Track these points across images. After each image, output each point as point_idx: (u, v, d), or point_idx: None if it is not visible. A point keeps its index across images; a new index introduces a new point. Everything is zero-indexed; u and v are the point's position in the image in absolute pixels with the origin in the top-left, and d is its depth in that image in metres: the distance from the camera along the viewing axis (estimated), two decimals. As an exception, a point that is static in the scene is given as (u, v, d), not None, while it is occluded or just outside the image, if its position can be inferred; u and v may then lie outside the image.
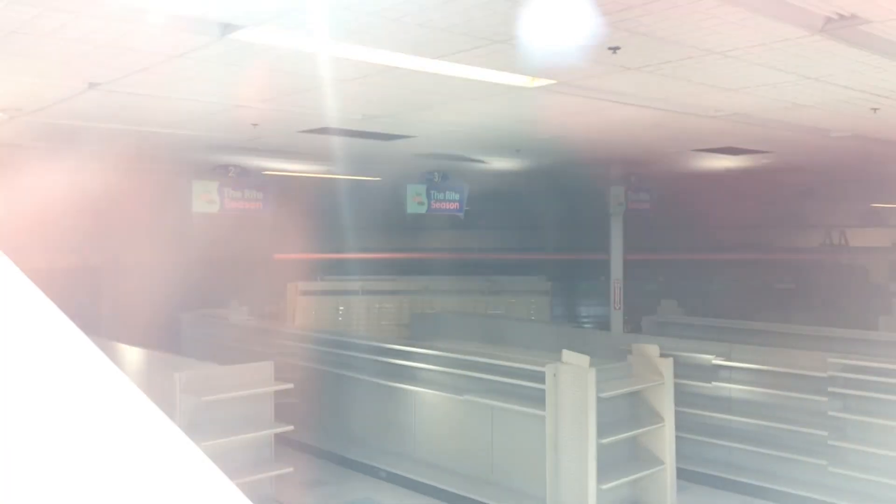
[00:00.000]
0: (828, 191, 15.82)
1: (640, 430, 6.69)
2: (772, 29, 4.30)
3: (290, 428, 6.68)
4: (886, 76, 5.48)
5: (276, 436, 6.67)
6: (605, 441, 6.15)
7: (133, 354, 7.78)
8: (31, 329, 1.32)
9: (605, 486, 6.12)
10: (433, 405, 7.76)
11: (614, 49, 4.67)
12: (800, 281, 16.66)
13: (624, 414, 6.76)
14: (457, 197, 11.08)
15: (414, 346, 8.12)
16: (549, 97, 6.25)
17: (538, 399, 6.45)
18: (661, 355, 6.81)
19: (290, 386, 6.78)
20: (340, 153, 9.98)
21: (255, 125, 7.59)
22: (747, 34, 4.41)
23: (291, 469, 6.56)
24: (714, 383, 7.68)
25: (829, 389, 6.91)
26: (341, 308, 14.54)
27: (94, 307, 13.50)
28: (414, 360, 7.92)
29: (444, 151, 9.86)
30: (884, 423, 6.61)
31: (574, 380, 6.20)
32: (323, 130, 7.94)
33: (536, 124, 7.81)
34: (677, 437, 6.81)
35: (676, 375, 6.91)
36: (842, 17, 4.13)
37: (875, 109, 6.74)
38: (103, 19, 4.06)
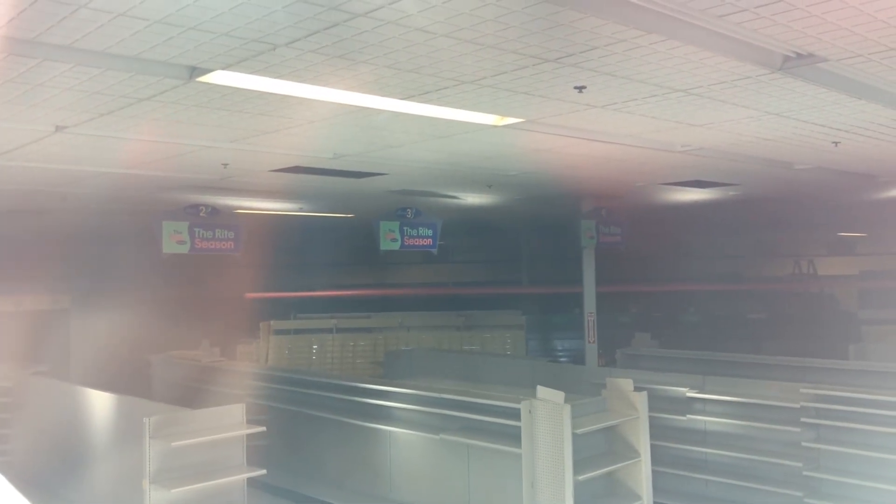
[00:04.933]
0: (795, 221, 16.10)
1: (617, 466, 6.66)
2: (733, 67, 4.40)
3: (263, 472, 6.56)
4: (845, 111, 5.61)
5: (249, 480, 6.55)
6: (581, 478, 6.11)
7: (102, 399, 7.64)
8: None
9: (582, 524, 6.07)
10: (408, 445, 7.67)
11: (580, 88, 4.75)
12: (771, 310, 16.85)
13: (600, 449, 6.74)
14: (430, 233, 11.09)
15: (388, 385, 8.05)
16: (517, 135, 6.32)
17: (514, 436, 6.42)
18: (636, 389, 6.81)
19: (263, 429, 6.69)
20: (313, 191, 9.99)
21: (225, 165, 7.58)
22: (709, 73, 4.50)
23: (264, 514, 6.44)
24: (689, 416, 7.68)
25: (802, 420, 6.94)
26: (315, 347, 14.42)
27: (63, 349, 13.28)
28: (388, 400, 7.85)
29: (417, 188, 9.89)
30: (857, 453, 6.64)
31: (549, 416, 6.18)
32: (294, 169, 7.94)
33: (506, 161, 7.88)
34: (654, 472, 6.78)
35: (651, 409, 6.91)
36: (799, 55, 4.24)
37: (836, 143, 6.89)
38: (69, 63, 4.05)
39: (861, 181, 9.93)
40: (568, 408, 6.10)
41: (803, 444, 6.89)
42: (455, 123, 5.81)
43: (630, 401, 6.75)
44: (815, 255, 17.95)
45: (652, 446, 6.79)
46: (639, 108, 5.39)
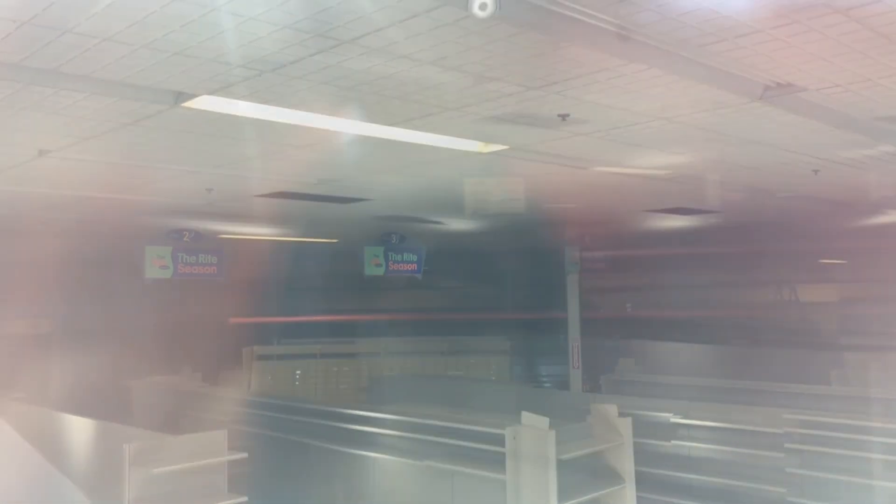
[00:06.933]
0: (777, 248, 16.21)
1: (602, 492, 6.62)
2: (714, 96, 4.46)
3: (244, 499, 6.47)
4: (824, 140, 5.70)
5: (230, 508, 6.45)
6: (566, 504, 6.07)
7: (81, 425, 7.53)
8: None
9: (567, 552, 6.02)
10: (393, 471, 7.60)
11: (563, 116, 4.79)
12: (753, 337, 16.91)
13: (584, 475, 6.70)
14: (414, 258, 11.11)
15: (372, 412, 8.00)
16: (501, 162, 6.36)
17: (499, 462, 6.37)
18: (620, 414, 6.80)
19: (245, 455, 6.60)
20: (297, 216, 9.97)
21: (209, 190, 7.56)
22: (691, 101, 4.56)
23: (245, 543, 6.33)
24: (673, 442, 7.68)
25: (786, 445, 6.96)
26: (298, 372, 14.31)
27: (42, 374, 13.09)
28: (372, 426, 7.78)
29: (401, 213, 9.91)
30: (841, 479, 6.66)
31: (534, 442, 6.15)
32: (279, 195, 7.94)
33: (491, 187, 7.91)
34: (638, 498, 6.75)
35: (636, 434, 6.89)
36: (779, 85, 4.31)
37: (816, 171, 6.98)
38: (54, 88, 4.05)
39: (841, 209, 10.05)
40: (552, 434, 6.08)
41: (787, 469, 6.90)
42: (439, 150, 5.84)
43: (615, 426, 6.73)
44: (797, 282, 18.07)
45: (637, 472, 6.76)
46: (621, 135, 5.45)
